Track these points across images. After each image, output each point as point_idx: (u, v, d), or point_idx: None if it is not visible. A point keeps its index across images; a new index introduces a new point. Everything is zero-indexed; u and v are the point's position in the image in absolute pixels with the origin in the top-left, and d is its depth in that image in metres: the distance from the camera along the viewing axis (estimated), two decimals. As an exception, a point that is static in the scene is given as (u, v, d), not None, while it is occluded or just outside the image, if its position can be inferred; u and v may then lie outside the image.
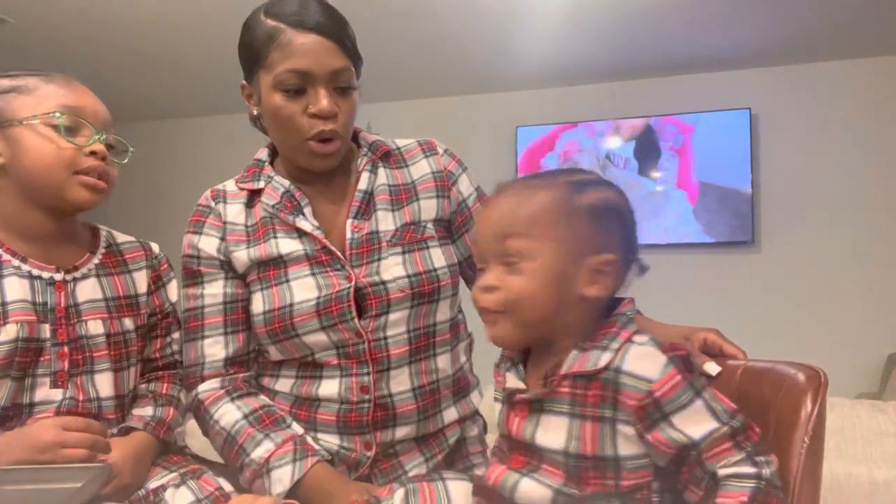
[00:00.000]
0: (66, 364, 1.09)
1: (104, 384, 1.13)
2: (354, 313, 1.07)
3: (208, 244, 1.14)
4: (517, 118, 4.31)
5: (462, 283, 1.22)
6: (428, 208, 1.16)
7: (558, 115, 4.27)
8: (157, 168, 5.17)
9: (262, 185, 1.15)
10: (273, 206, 1.13)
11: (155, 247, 1.29)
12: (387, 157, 1.19)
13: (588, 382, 0.80)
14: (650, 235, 4.01)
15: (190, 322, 1.15)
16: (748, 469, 0.75)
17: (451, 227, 1.19)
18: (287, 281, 1.09)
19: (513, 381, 0.87)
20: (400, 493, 0.94)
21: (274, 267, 1.10)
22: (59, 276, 1.12)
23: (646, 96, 4.15)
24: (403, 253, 1.11)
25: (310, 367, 1.11)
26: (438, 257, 1.13)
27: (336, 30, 1.05)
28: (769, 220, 3.97)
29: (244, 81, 1.14)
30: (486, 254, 0.85)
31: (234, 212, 1.15)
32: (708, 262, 4.05)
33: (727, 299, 3.97)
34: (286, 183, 1.14)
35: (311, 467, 1.02)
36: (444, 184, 1.18)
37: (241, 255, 1.12)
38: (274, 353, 1.12)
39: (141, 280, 1.22)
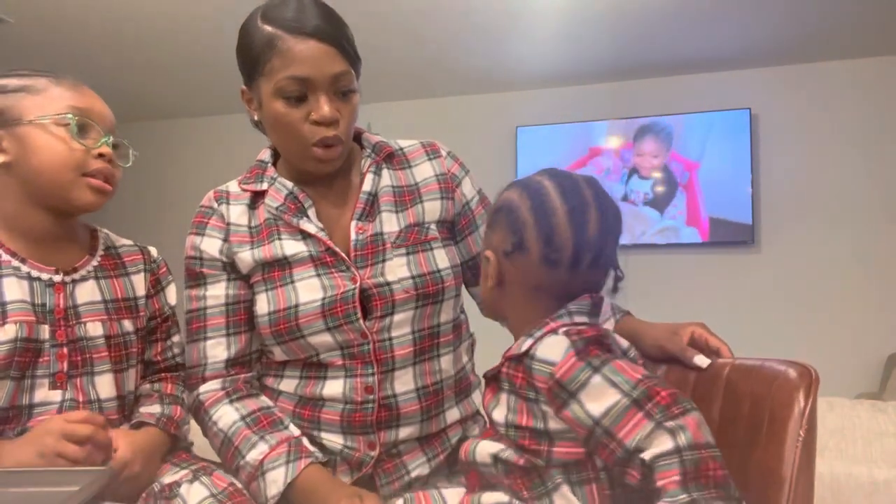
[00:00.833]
0: (66, 365, 1.09)
1: (105, 385, 1.13)
2: (360, 314, 1.07)
3: (211, 245, 1.14)
4: (517, 118, 4.31)
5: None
6: (432, 210, 1.16)
7: (558, 115, 4.27)
8: (157, 168, 5.17)
9: (265, 186, 1.15)
10: (277, 208, 1.13)
11: (153, 251, 1.29)
12: (390, 158, 1.19)
13: (517, 365, 0.88)
14: (650, 236, 4.02)
15: (192, 323, 1.15)
16: (667, 445, 0.75)
17: (453, 229, 1.20)
18: (292, 282, 1.09)
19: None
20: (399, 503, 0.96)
21: (279, 268, 1.11)
22: (58, 278, 1.12)
23: (646, 96, 4.15)
24: (408, 254, 1.11)
25: (314, 368, 1.11)
26: (442, 258, 1.13)
27: (335, 34, 1.04)
28: (769, 220, 3.97)
29: (244, 87, 1.13)
30: None
31: (238, 213, 1.15)
32: (708, 262, 4.06)
33: (727, 299, 3.97)
34: (289, 184, 1.14)
35: (303, 469, 1.03)
36: (448, 186, 1.18)
37: (246, 256, 1.12)
38: (278, 353, 1.13)
39: (139, 283, 1.23)
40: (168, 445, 1.15)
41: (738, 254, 4.02)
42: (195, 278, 1.16)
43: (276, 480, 1.02)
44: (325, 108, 1.04)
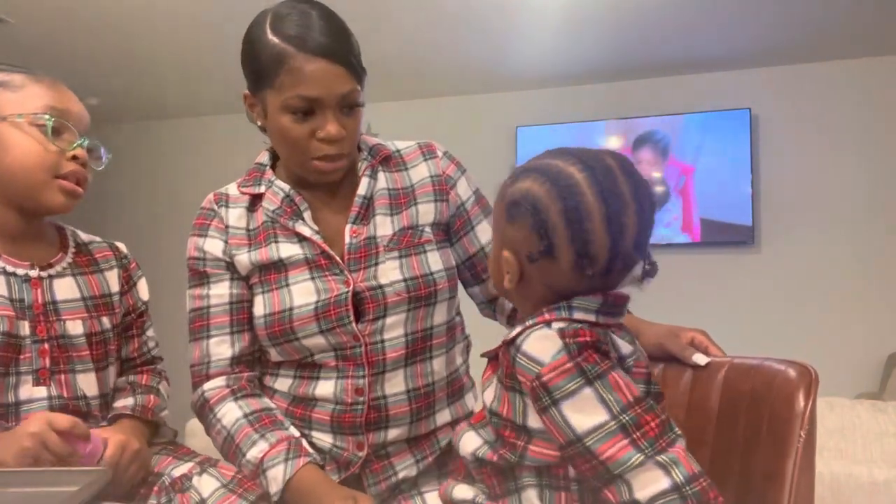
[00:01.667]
0: (48, 361, 1.09)
1: (88, 383, 1.13)
2: (352, 317, 1.08)
3: (214, 246, 1.15)
4: (517, 118, 4.31)
5: (460, 286, 1.22)
6: (426, 212, 1.16)
7: (558, 115, 4.27)
8: (157, 168, 5.17)
9: (262, 189, 1.16)
10: (273, 211, 1.13)
11: (122, 247, 1.30)
12: (387, 161, 1.19)
13: (506, 351, 0.83)
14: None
15: (195, 322, 1.16)
16: (663, 483, 0.71)
17: (449, 231, 1.20)
18: (287, 285, 1.10)
19: None
20: None
21: (275, 271, 1.11)
22: (34, 273, 1.12)
23: (646, 96, 4.15)
24: (400, 257, 1.11)
25: (307, 368, 1.12)
26: (436, 261, 1.13)
27: (344, 53, 1.04)
28: (769, 220, 3.97)
29: (247, 92, 1.13)
30: None
31: (236, 216, 1.16)
32: (708, 262, 4.06)
33: (727, 299, 3.97)
34: (286, 188, 1.14)
35: (300, 467, 1.03)
36: (442, 188, 1.18)
37: (243, 259, 1.13)
38: (274, 354, 1.14)
39: (113, 279, 1.23)
40: (147, 431, 1.16)
41: (737, 254, 4.02)
42: (199, 278, 1.16)
43: (276, 478, 1.02)
44: (331, 127, 1.05)
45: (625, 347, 0.84)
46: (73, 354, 1.12)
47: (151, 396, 1.21)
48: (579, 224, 0.78)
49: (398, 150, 1.21)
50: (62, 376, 1.10)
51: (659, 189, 4.07)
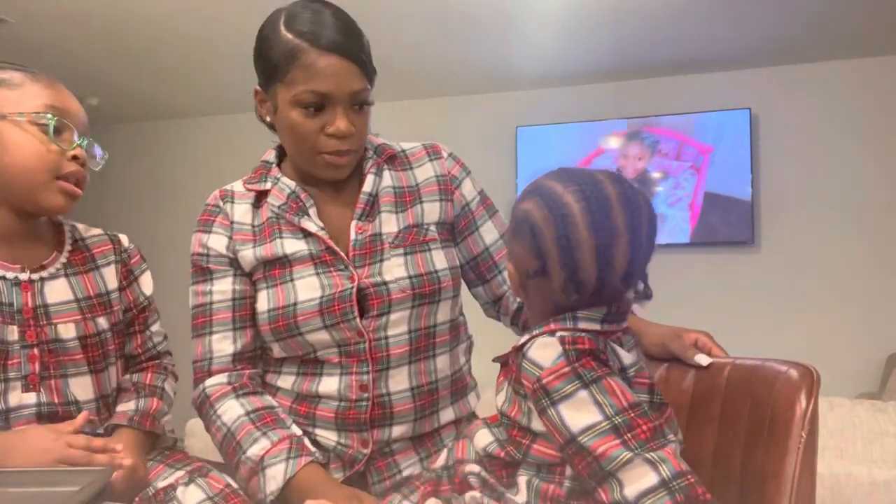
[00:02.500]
0: (37, 367, 1.06)
1: (82, 388, 1.11)
2: (356, 313, 1.08)
3: (218, 242, 1.16)
4: (517, 118, 4.31)
5: (464, 286, 1.23)
6: (431, 211, 1.17)
7: (558, 115, 4.27)
8: (158, 168, 5.17)
9: (268, 186, 1.17)
10: (279, 207, 1.14)
11: (124, 239, 1.26)
12: (392, 160, 1.20)
13: (515, 357, 0.88)
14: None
15: (198, 318, 1.16)
16: (650, 479, 0.73)
17: (453, 230, 1.21)
18: (292, 280, 1.11)
19: None
20: (443, 454, 0.99)
21: (279, 266, 1.12)
22: (24, 276, 1.10)
23: (646, 96, 4.15)
24: (405, 254, 1.12)
25: (311, 365, 1.12)
26: (440, 259, 1.14)
27: (356, 50, 1.06)
28: (769, 220, 3.97)
29: (258, 87, 1.14)
30: None
31: (241, 212, 1.17)
32: (708, 262, 4.06)
33: (727, 299, 3.98)
34: (292, 184, 1.15)
35: (303, 466, 1.03)
36: (447, 187, 1.20)
37: (248, 255, 1.14)
38: (277, 350, 1.14)
39: (110, 276, 1.20)
40: (146, 441, 1.13)
41: (737, 254, 4.02)
42: (201, 274, 1.16)
43: (275, 476, 1.02)
44: (341, 123, 1.06)
45: (626, 358, 0.87)
46: (64, 359, 1.09)
47: (154, 400, 1.18)
48: (569, 253, 0.83)
49: (403, 150, 1.22)
50: (52, 382, 1.08)
51: (656, 177, 4.07)
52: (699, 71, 4.04)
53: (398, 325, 1.10)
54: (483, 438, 0.92)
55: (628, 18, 3.34)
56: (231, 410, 1.10)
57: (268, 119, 1.14)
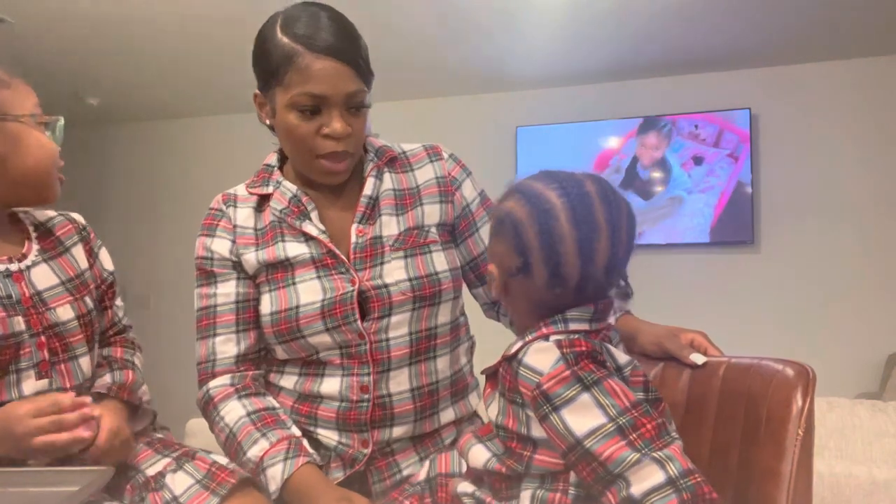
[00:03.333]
0: (46, 353, 1.09)
1: (85, 367, 1.15)
2: (357, 315, 1.09)
3: (221, 246, 1.17)
4: (517, 118, 4.31)
5: (465, 287, 1.23)
6: (431, 213, 1.18)
7: (558, 115, 4.27)
8: (158, 168, 5.17)
9: (270, 189, 1.18)
10: (281, 211, 1.15)
11: (79, 218, 1.29)
12: (393, 162, 1.21)
13: (507, 366, 0.87)
14: (649, 235, 4.02)
15: (202, 320, 1.17)
16: (658, 477, 0.73)
17: (454, 232, 1.21)
18: (294, 283, 1.12)
19: None
20: (425, 467, 1.01)
21: (282, 270, 1.13)
22: (14, 267, 1.12)
23: (646, 96, 4.15)
24: (406, 257, 1.13)
25: (313, 366, 1.13)
26: (440, 261, 1.15)
27: (352, 53, 1.06)
28: (769, 220, 3.97)
29: (257, 91, 1.15)
30: None
31: (244, 216, 1.18)
32: (708, 262, 4.06)
33: (727, 299, 3.98)
34: (293, 188, 1.16)
35: (299, 467, 1.04)
36: (447, 189, 1.20)
37: (250, 258, 1.15)
38: (280, 352, 1.15)
39: (80, 256, 1.24)
40: (127, 412, 1.15)
41: (738, 254, 4.02)
42: (206, 277, 1.18)
43: (274, 477, 1.03)
44: (336, 124, 1.06)
45: (621, 358, 0.87)
46: (69, 341, 1.12)
47: (129, 372, 1.21)
48: (551, 247, 0.84)
49: (404, 152, 1.23)
50: (62, 366, 1.11)
51: (657, 174, 4.07)
52: (699, 71, 4.04)
53: (399, 327, 1.11)
54: (479, 455, 0.90)
55: (628, 18, 3.34)
56: (233, 412, 1.11)
57: (268, 122, 1.15)
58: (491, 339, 1.42)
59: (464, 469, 0.98)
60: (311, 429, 1.13)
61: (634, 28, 3.46)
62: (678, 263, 4.06)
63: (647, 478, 0.74)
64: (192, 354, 1.21)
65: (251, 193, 1.19)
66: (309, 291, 1.10)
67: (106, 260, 1.29)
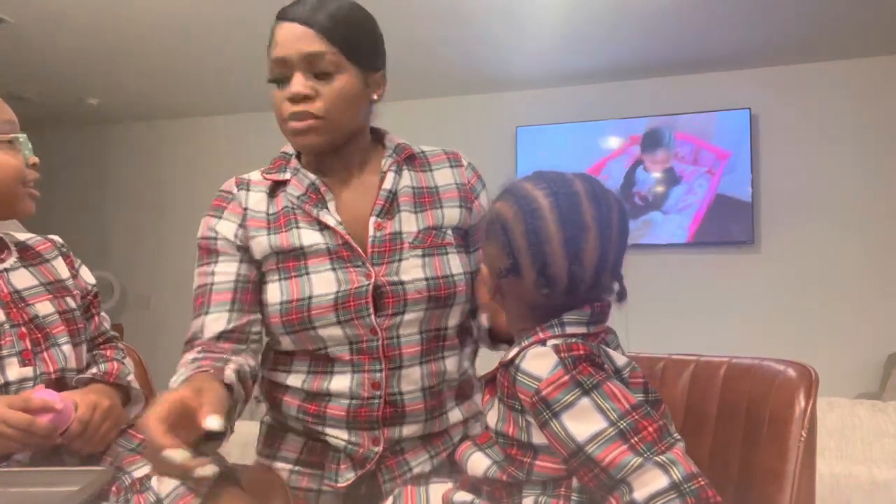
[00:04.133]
0: (29, 343, 1.12)
1: (69, 357, 1.17)
2: (371, 310, 1.08)
3: (227, 228, 1.15)
4: (517, 118, 4.32)
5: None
6: (451, 216, 1.17)
7: (558, 115, 4.27)
8: (158, 168, 5.17)
9: (287, 176, 1.17)
10: (298, 198, 1.14)
11: (58, 239, 1.34)
12: (411, 160, 1.21)
13: (505, 372, 0.86)
14: (648, 235, 4.02)
15: (197, 299, 1.14)
16: (661, 482, 0.73)
17: (468, 238, 1.21)
18: (307, 273, 1.10)
19: None
20: (389, 501, 0.98)
21: (294, 258, 1.12)
22: None
23: (646, 96, 4.15)
24: (424, 256, 1.12)
25: (321, 362, 1.12)
26: (456, 264, 1.14)
27: (315, 17, 1.06)
28: (769, 220, 3.97)
29: None
30: None
31: (256, 199, 1.17)
32: (708, 262, 4.06)
33: (727, 299, 3.98)
34: (312, 176, 1.15)
35: (194, 373, 0.97)
36: (468, 196, 1.20)
37: (262, 241, 1.13)
38: (286, 343, 1.13)
39: (61, 267, 1.28)
40: (116, 396, 1.18)
41: (737, 254, 4.02)
42: (207, 256, 1.15)
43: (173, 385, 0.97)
44: (294, 85, 1.07)
45: (619, 359, 0.86)
46: (50, 331, 1.16)
47: (115, 363, 1.24)
48: (539, 246, 0.83)
49: (422, 152, 1.23)
50: (45, 353, 1.14)
51: (660, 189, 4.07)
52: (699, 71, 4.04)
53: (411, 326, 1.10)
54: (479, 463, 0.89)
55: (628, 18, 3.34)
56: (183, 359, 1.05)
57: None
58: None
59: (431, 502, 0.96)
60: (320, 428, 1.12)
61: (634, 28, 3.46)
62: (678, 264, 4.06)
63: (649, 482, 0.73)
64: (192, 355, 1.19)
65: (266, 178, 1.18)
66: (323, 282, 1.09)
67: (87, 275, 1.33)
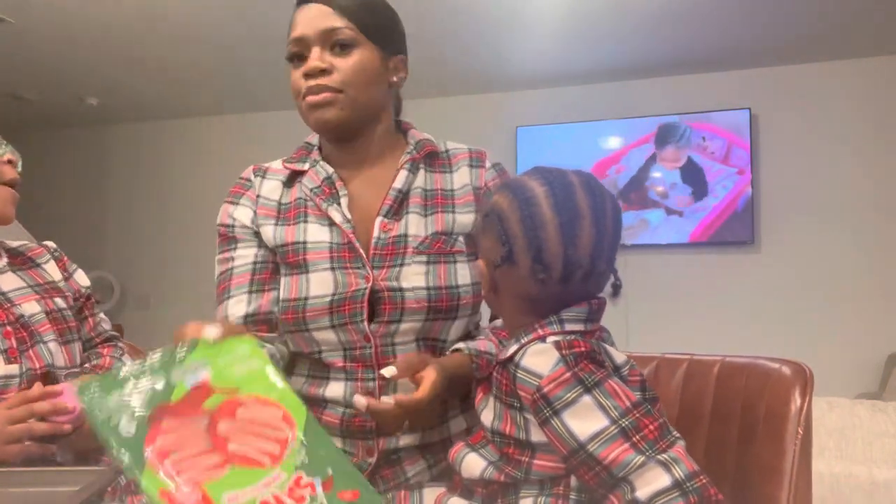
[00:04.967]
0: (14, 341, 1.14)
1: (55, 354, 1.18)
2: (365, 315, 1.04)
3: (244, 215, 1.14)
4: (517, 118, 4.31)
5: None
6: (463, 222, 1.12)
7: (558, 115, 4.27)
8: (158, 168, 5.17)
9: (306, 167, 1.15)
10: (311, 190, 1.12)
11: (51, 244, 1.34)
12: (432, 158, 1.17)
13: (503, 370, 0.86)
14: (648, 235, 4.02)
15: (219, 286, 1.13)
16: (664, 481, 0.73)
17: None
18: (307, 272, 1.08)
19: None
20: None
21: (293, 252, 1.09)
22: None
23: (646, 96, 4.15)
24: (428, 263, 1.07)
25: (318, 367, 1.10)
26: (464, 274, 1.09)
27: None
28: (769, 220, 3.97)
29: None
30: None
31: (270, 187, 1.15)
32: (708, 262, 4.06)
33: (727, 299, 3.98)
34: (329, 170, 1.13)
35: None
36: (481, 200, 1.14)
37: (268, 231, 1.12)
38: (290, 343, 1.12)
39: (53, 269, 1.29)
40: None
41: (737, 254, 4.02)
42: (227, 243, 1.14)
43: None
44: (310, 61, 1.07)
45: (618, 357, 0.86)
46: (35, 329, 1.17)
47: (108, 359, 1.26)
48: (534, 232, 0.84)
49: (447, 150, 1.19)
50: (30, 351, 1.15)
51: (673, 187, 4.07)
52: (699, 71, 4.04)
53: (407, 335, 1.06)
54: (474, 464, 0.87)
55: (628, 18, 3.34)
56: None
57: None
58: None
59: None
60: None
61: (634, 28, 3.46)
62: (678, 263, 4.06)
63: (652, 481, 0.73)
64: (192, 354, 1.20)
65: (286, 167, 1.17)
66: (320, 283, 1.06)
67: (82, 278, 1.33)
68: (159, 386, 0.75)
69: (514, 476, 0.83)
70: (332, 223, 1.09)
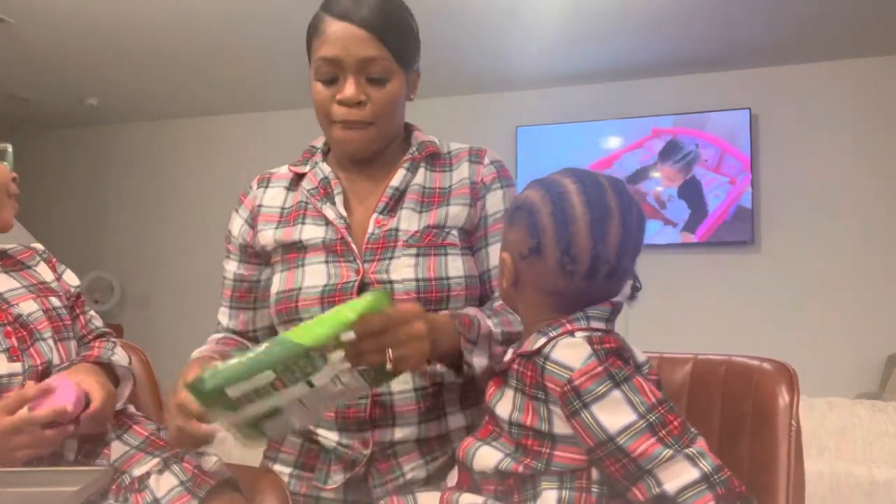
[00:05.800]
0: (15, 340, 1.14)
1: (55, 352, 1.19)
2: None
3: (236, 225, 1.22)
4: (517, 118, 4.32)
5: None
6: (456, 215, 1.14)
7: (558, 115, 4.27)
8: (158, 168, 5.17)
9: (307, 169, 1.18)
10: (309, 191, 1.16)
11: (39, 246, 1.35)
12: (433, 158, 1.19)
13: (527, 362, 0.87)
14: (648, 235, 4.02)
15: (221, 291, 1.25)
16: (692, 474, 0.76)
17: (471, 239, 1.17)
18: (302, 266, 1.12)
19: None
20: None
21: (294, 251, 1.14)
22: None
23: (646, 96, 4.16)
24: (417, 255, 1.10)
25: None
26: (455, 266, 1.11)
27: (373, 19, 1.04)
28: (769, 220, 3.97)
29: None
30: None
31: (273, 195, 1.20)
32: (708, 262, 4.06)
33: (727, 299, 3.98)
34: (327, 170, 1.16)
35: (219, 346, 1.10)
36: (475, 194, 1.17)
37: (268, 235, 1.16)
38: None
39: (43, 270, 1.30)
40: (101, 372, 1.19)
41: (738, 254, 4.02)
42: (226, 251, 1.24)
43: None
44: (348, 89, 1.06)
45: (640, 356, 0.89)
46: (35, 327, 1.18)
47: (97, 350, 1.27)
48: (565, 226, 0.86)
49: (449, 151, 1.21)
50: (31, 349, 1.16)
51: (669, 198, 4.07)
52: (699, 71, 4.04)
53: None
54: (489, 456, 0.88)
55: (628, 19, 3.34)
56: (209, 339, 1.18)
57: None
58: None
59: None
60: (312, 428, 1.11)
61: (634, 28, 3.46)
62: (678, 264, 4.06)
63: (679, 474, 0.76)
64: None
65: (291, 171, 1.20)
66: (314, 275, 1.10)
67: (71, 278, 1.35)
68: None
69: (535, 467, 0.85)
70: (327, 221, 1.13)
